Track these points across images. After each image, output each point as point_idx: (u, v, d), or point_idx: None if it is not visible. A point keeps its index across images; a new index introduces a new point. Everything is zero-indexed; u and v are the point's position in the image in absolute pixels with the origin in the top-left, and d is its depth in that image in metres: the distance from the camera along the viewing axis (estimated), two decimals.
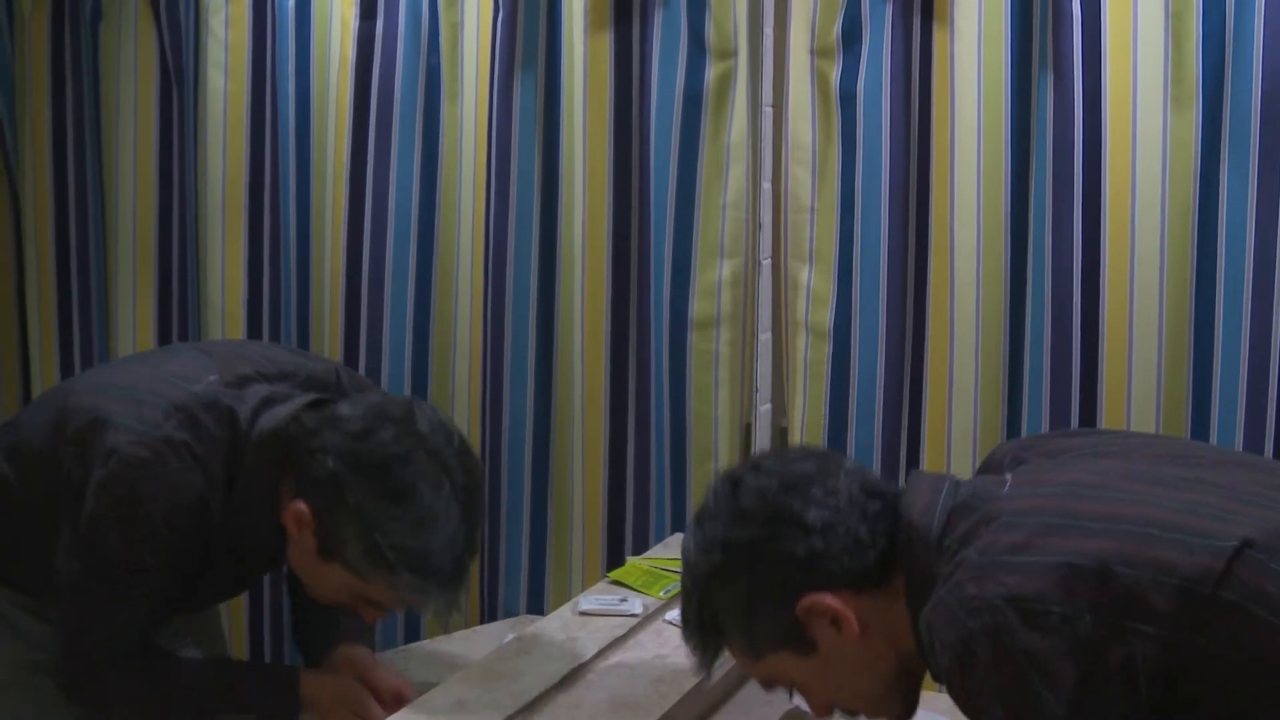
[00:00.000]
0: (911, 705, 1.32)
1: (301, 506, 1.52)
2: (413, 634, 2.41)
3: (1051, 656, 1.05)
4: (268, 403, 1.58)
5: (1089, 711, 1.05)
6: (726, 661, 1.35)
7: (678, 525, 2.24)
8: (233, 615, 2.51)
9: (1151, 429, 1.95)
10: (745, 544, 1.24)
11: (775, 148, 2.20)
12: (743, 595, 1.25)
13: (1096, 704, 1.05)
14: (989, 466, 1.37)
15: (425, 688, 1.65)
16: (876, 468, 2.14)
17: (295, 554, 1.58)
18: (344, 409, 1.54)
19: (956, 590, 1.10)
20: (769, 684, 1.34)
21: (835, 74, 2.11)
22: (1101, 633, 1.05)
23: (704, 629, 1.30)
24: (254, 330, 2.49)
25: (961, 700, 1.11)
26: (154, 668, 1.60)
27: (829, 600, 1.22)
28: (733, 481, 1.29)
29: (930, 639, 1.12)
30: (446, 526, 1.49)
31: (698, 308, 2.21)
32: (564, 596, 2.28)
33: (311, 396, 1.61)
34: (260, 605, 2.55)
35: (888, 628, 1.24)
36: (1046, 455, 1.30)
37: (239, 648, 2.51)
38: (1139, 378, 1.96)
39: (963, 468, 2.03)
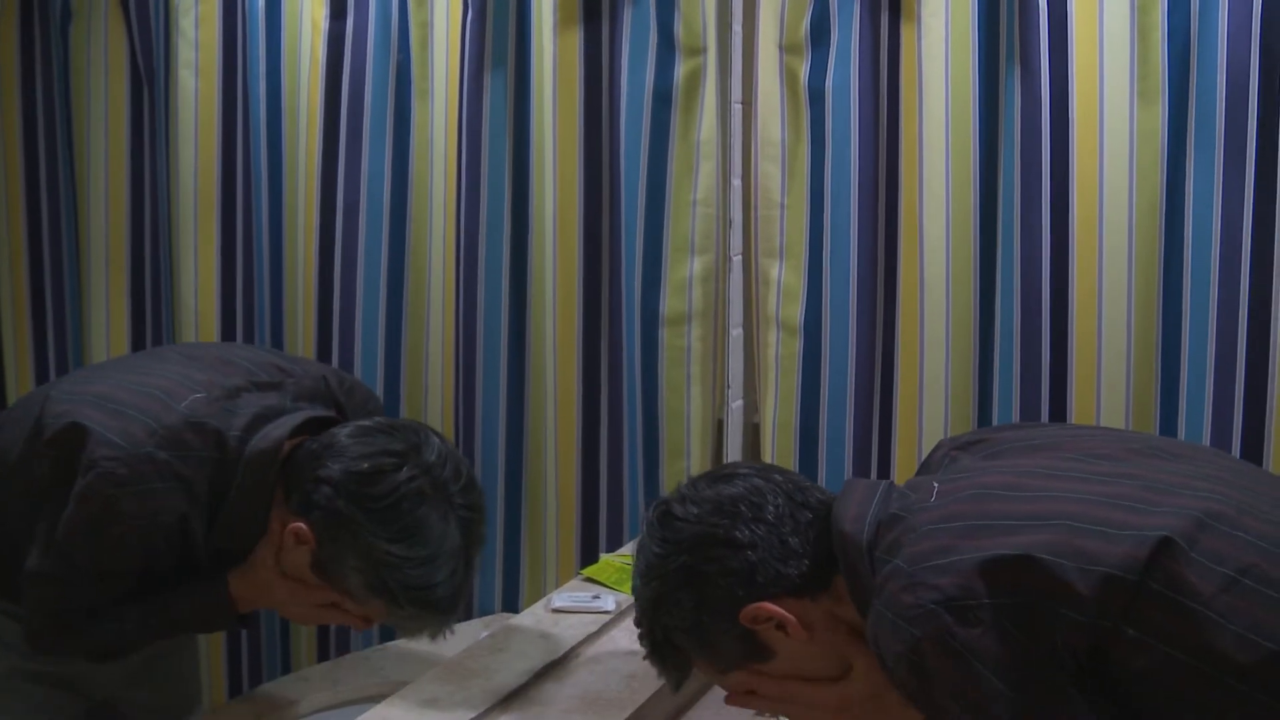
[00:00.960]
0: None
1: (303, 526, 1.51)
2: (387, 633, 2.41)
3: (992, 646, 1.07)
4: (261, 419, 1.56)
5: (1039, 691, 1.08)
6: None
7: None
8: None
9: (1120, 414, 1.97)
10: (681, 569, 1.28)
11: (745, 144, 2.21)
12: (690, 614, 1.29)
13: (1044, 683, 1.08)
14: (927, 466, 1.39)
15: (399, 685, 1.65)
16: (848, 461, 2.15)
17: (280, 559, 1.56)
18: (347, 439, 1.52)
19: (892, 602, 1.12)
20: (744, 701, 1.36)
21: (804, 70, 2.11)
22: (1032, 616, 1.07)
23: (663, 651, 1.34)
24: (228, 329, 2.48)
25: (923, 706, 1.14)
26: (118, 618, 1.58)
27: (770, 606, 1.26)
28: (663, 512, 1.33)
29: (879, 653, 1.15)
30: (450, 562, 1.50)
31: (669, 304, 2.21)
32: (538, 594, 2.28)
33: (306, 413, 1.60)
34: None
35: (838, 626, 1.27)
36: (978, 453, 1.32)
37: (215, 650, 2.50)
38: (1108, 367, 1.97)
39: None
